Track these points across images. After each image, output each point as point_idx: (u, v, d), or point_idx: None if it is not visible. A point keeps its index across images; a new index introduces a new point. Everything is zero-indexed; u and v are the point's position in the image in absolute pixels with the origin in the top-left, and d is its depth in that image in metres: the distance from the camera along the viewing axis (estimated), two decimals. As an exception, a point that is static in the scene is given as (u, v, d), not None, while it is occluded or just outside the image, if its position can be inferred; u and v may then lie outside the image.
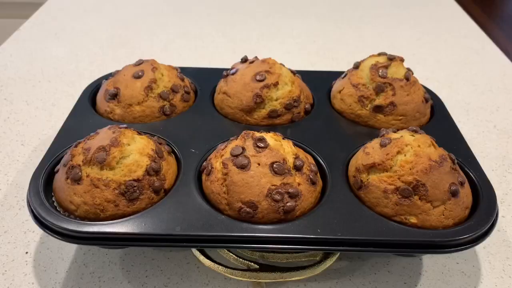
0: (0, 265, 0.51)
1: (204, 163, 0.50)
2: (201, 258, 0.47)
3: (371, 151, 0.48)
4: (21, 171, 0.64)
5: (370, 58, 0.61)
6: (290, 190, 0.44)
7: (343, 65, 0.95)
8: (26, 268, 0.50)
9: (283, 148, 0.47)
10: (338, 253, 0.48)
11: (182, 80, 0.63)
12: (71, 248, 0.53)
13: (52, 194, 0.48)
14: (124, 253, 0.52)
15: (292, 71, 0.62)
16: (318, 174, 0.49)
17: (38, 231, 0.55)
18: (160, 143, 0.51)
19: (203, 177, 0.48)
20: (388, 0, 1.29)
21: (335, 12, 1.22)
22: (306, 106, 0.61)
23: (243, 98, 0.58)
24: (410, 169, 0.45)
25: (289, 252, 0.48)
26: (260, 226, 0.43)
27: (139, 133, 0.50)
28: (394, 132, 0.50)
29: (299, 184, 0.45)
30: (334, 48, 1.03)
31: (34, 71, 0.90)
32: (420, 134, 0.48)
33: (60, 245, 0.53)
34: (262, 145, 0.46)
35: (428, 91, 0.65)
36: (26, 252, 0.52)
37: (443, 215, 0.45)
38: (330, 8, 1.24)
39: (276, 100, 0.58)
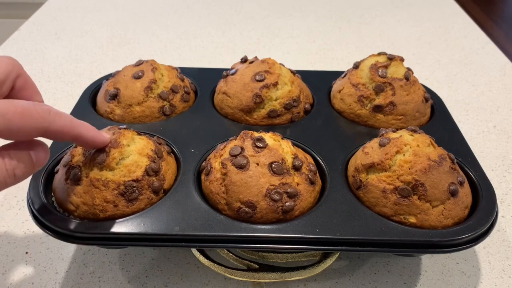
0: (0, 265, 0.51)
1: (203, 163, 0.50)
2: (201, 258, 0.47)
3: (370, 151, 0.48)
4: (21, 171, 0.64)
5: (370, 57, 0.61)
6: (289, 190, 0.44)
7: (343, 65, 0.95)
8: (26, 268, 0.51)
9: (282, 148, 0.47)
10: (338, 253, 0.48)
11: (182, 80, 0.63)
12: (71, 248, 0.53)
13: (52, 194, 0.48)
14: (124, 253, 0.52)
15: (292, 71, 0.62)
16: (317, 174, 0.50)
17: (38, 231, 0.55)
18: (160, 143, 0.51)
19: (202, 177, 0.48)
20: (388, 0, 1.29)
21: (335, 12, 1.22)
22: (306, 106, 0.61)
23: (243, 98, 0.58)
24: (409, 168, 0.45)
25: (288, 252, 0.48)
26: (259, 226, 0.43)
27: (139, 134, 0.50)
28: (394, 131, 0.50)
29: (298, 184, 0.46)
30: (334, 48, 1.03)
31: (34, 71, 0.90)
32: (419, 133, 0.48)
33: (60, 245, 0.53)
34: (261, 145, 0.46)
35: (428, 90, 0.65)
36: (26, 252, 0.52)
37: (442, 214, 0.45)
38: (330, 8, 1.24)
39: (276, 100, 0.58)
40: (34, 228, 0.55)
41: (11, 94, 0.38)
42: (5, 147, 0.35)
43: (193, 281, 0.50)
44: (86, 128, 0.39)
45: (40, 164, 0.37)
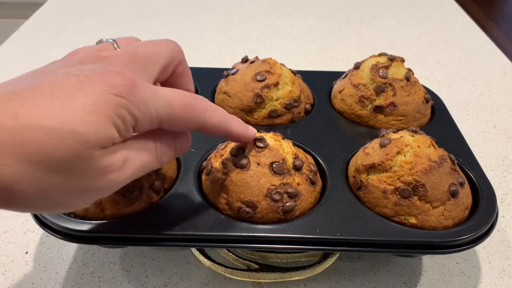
0: (0, 265, 0.51)
1: (204, 163, 0.50)
2: (201, 258, 0.47)
3: (370, 151, 0.48)
4: (21, 171, 0.64)
5: (371, 58, 0.61)
6: (290, 190, 0.44)
7: (343, 65, 0.95)
8: (26, 268, 0.51)
9: (283, 148, 0.47)
10: (338, 253, 0.48)
11: (182, 80, 0.62)
12: (71, 248, 0.53)
13: (52, 194, 0.48)
14: (124, 253, 0.52)
15: (292, 71, 0.62)
16: (318, 174, 0.50)
17: (38, 231, 0.55)
18: (160, 143, 0.51)
19: (203, 176, 0.48)
20: (388, 0, 1.29)
21: (335, 12, 1.22)
22: (307, 106, 0.61)
23: (244, 98, 0.58)
24: (410, 169, 0.45)
25: (289, 252, 0.48)
26: (259, 226, 0.43)
27: (139, 133, 0.50)
28: (394, 132, 0.50)
29: (298, 184, 0.46)
30: (334, 48, 1.03)
31: (34, 71, 0.90)
32: (420, 134, 0.48)
33: (60, 245, 0.53)
34: (261, 145, 0.46)
35: (428, 91, 0.65)
36: (26, 252, 0.52)
37: (443, 215, 0.45)
38: (330, 8, 1.24)
39: (277, 100, 0.58)
40: (34, 228, 0.55)
41: (170, 79, 0.39)
42: (155, 131, 0.35)
43: (193, 281, 0.50)
44: (236, 124, 0.40)
45: (182, 152, 0.38)
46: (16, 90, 0.28)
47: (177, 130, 0.36)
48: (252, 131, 0.43)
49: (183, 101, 0.34)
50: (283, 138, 0.50)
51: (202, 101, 0.36)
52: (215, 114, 0.37)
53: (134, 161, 0.32)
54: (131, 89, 0.30)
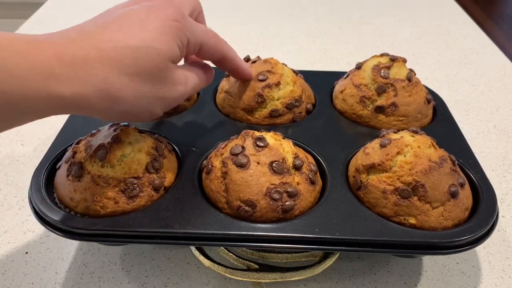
0: (0, 265, 0.51)
1: (204, 162, 0.50)
2: (201, 258, 0.47)
3: (371, 151, 0.48)
4: (21, 171, 0.64)
5: (372, 58, 0.61)
6: (289, 189, 0.44)
7: (343, 65, 0.95)
8: (26, 268, 0.51)
9: (283, 147, 0.47)
10: (338, 253, 0.48)
11: (183, 79, 0.62)
12: (71, 248, 0.53)
13: (54, 190, 0.48)
14: (124, 253, 0.52)
15: (294, 71, 0.62)
16: (318, 173, 0.49)
17: (38, 231, 0.55)
18: (161, 141, 0.51)
19: (203, 175, 0.48)
20: (388, 0, 1.29)
21: (335, 12, 1.22)
22: (308, 106, 0.61)
23: (245, 97, 0.58)
24: (410, 169, 0.45)
25: (288, 251, 0.48)
26: (258, 225, 0.43)
27: (140, 131, 0.50)
28: (395, 132, 0.50)
29: (298, 183, 0.46)
30: (334, 48, 1.03)
31: (34, 70, 0.89)
32: (420, 135, 0.48)
33: (60, 245, 0.53)
34: (261, 144, 0.46)
35: (430, 92, 0.65)
36: (26, 252, 0.52)
37: (443, 216, 0.45)
38: (330, 8, 1.24)
39: (278, 99, 0.58)
40: (34, 228, 0.55)
41: None
42: (195, 64, 0.46)
43: (193, 281, 0.50)
44: (243, 62, 0.54)
45: (209, 82, 0.49)
46: (104, 22, 0.37)
47: (207, 58, 0.46)
48: (251, 72, 0.57)
49: (212, 32, 0.45)
50: (283, 138, 0.50)
51: (222, 38, 0.47)
52: (228, 48, 0.48)
53: (191, 79, 0.44)
54: (182, 17, 0.40)
